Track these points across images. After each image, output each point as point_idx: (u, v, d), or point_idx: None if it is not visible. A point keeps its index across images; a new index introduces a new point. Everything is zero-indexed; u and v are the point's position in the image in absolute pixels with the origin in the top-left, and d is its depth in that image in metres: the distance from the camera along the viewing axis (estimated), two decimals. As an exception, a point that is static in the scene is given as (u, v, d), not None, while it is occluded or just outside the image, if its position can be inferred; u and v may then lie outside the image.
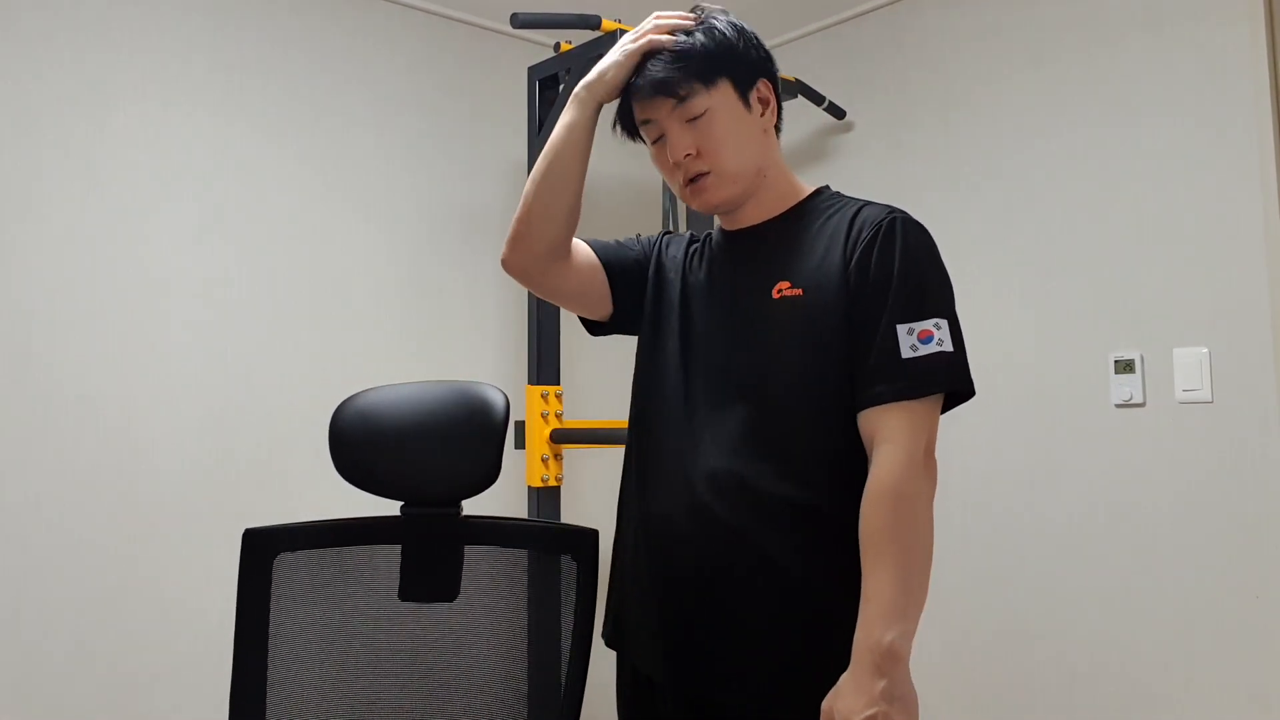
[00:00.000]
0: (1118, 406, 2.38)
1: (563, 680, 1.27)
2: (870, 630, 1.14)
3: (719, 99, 1.33)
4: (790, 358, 1.27)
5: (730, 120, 1.33)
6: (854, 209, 1.33)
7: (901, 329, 1.22)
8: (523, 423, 2.74)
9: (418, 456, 1.31)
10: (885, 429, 1.21)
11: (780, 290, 1.30)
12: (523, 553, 1.31)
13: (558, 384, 2.73)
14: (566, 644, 1.29)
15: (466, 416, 1.31)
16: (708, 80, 1.32)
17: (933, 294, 1.25)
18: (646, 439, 1.39)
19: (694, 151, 1.32)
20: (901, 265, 1.25)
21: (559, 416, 2.70)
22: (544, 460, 2.66)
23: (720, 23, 1.35)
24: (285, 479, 2.58)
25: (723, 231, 1.44)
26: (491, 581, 1.29)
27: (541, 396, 2.68)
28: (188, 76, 2.52)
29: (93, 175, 2.37)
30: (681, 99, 1.31)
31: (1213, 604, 2.21)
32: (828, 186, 1.42)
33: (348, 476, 1.32)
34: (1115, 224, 2.42)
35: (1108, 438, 2.39)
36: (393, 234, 2.83)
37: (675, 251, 1.48)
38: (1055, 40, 2.56)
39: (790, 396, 1.27)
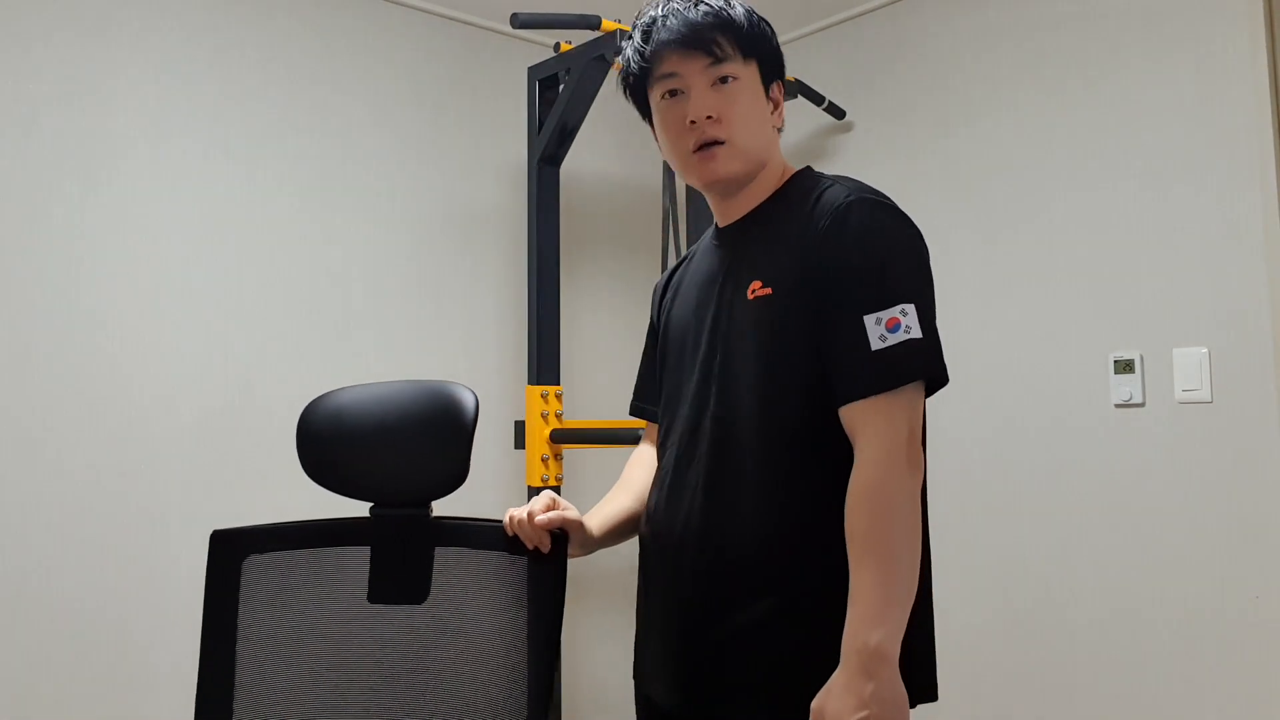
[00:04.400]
0: (1117, 406, 2.38)
1: (527, 685, 1.24)
2: (856, 632, 1.12)
3: (748, 75, 1.30)
4: (762, 361, 1.25)
5: (753, 98, 1.31)
6: (817, 193, 1.27)
7: (869, 320, 1.17)
8: (523, 423, 2.74)
9: (386, 456, 1.29)
10: (862, 425, 1.17)
11: (754, 290, 1.27)
12: (492, 554, 1.29)
13: (558, 384, 2.73)
14: (533, 647, 1.26)
15: (435, 416, 1.29)
16: (744, 52, 1.30)
17: (895, 278, 1.19)
18: (661, 455, 1.40)
19: (715, 115, 1.28)
20: (860, 251, 1.20)
21: (559, 416, 2.70)
22: (544, 460, 2.66)
23: (752, 9, 1.33)
24: (286, 479, 2.58)
25: (715, 230, 1.42)
26: (460, 583, 1.28)
27: (541, 396, 2.68)
28: (188, 76, 2.52)
29: (93, 175, 2.37)
30: (717, 59, 1.28)
31: (1212, 604, 2.22)
32: (809, 168, 1.37)
33: (315, 477, 1.31)
34: (1115, 224, 2.42)
35: (1107, 438, 2.39)
36: (393, 234, 2.83)
37: (670, 288, 1.49)
38: (1055, 40, 2.56)
39: (768, 402, 1.24)
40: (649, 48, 1.30)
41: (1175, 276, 2.31)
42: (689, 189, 2.91)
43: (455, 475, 1.28)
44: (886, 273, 1.19)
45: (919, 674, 1.23)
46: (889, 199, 1.26)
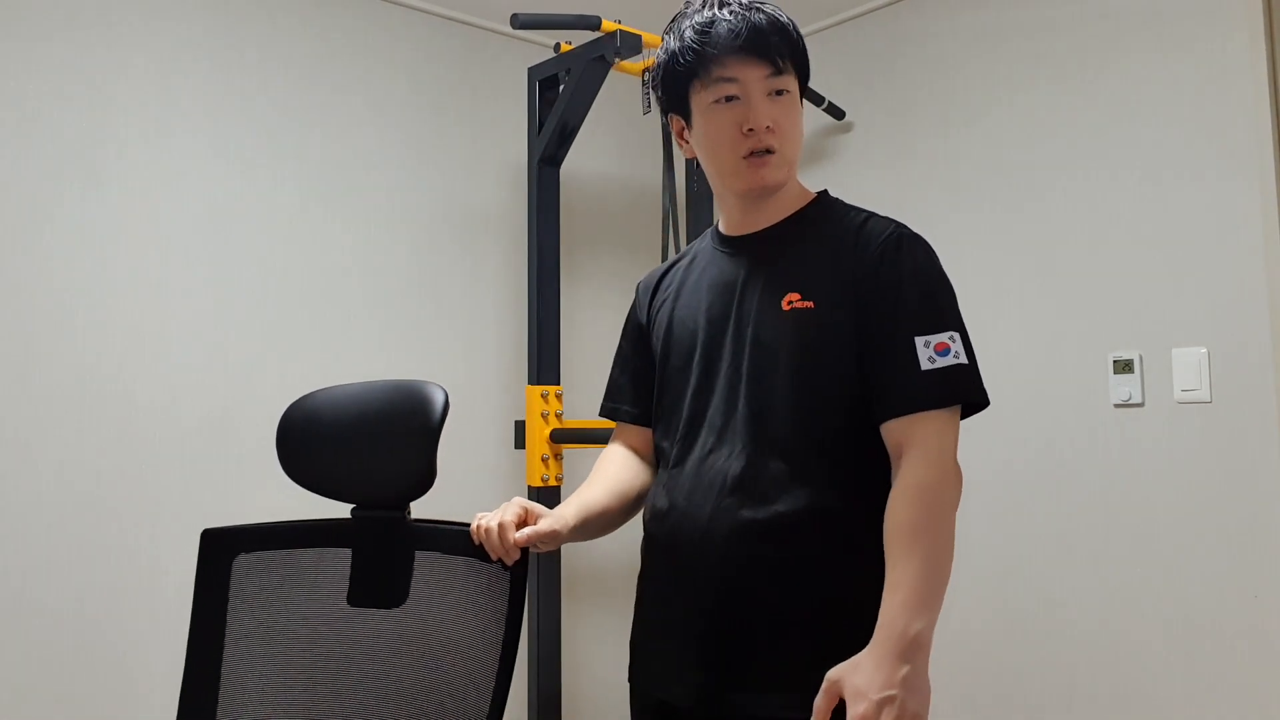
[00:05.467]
0: (1117, 406, 2.38)
1: (490, 694, 1.23)
2: (896, 617, 1.14)
3: (794, 88, 1.34)
4: (801, 369, 1.27)
5: (799, 113, 1.36)
6: (858, 220, 1.33)
7: (919, 341, 1.23)
8: (523, 423, 2.74)
9: (360, 458, 1.28)
10: (913, 436, 1.22)
11: (790, 302, 1.30)
12: (459, 559, 1.28)
13: (558, 384, 2.73)
14: (495, 654, 1.25)
15: (405, 416, 1.28)
16: (795, 65, 1.33)
17: (944, 308, 1.27)
18: (665, 455, 1.40)
19: (773, 126, 1.31)
20: (912, 279, 1.26)
21: (559, 416, 2.70)
22: (544, 460, 2.66)
23: (791, 19, 1.35)
24: (284, 479, 2.58)
25: (722, 237, 1.43)
26: (432, 587, 1.27)
27: (541, 396, 2.68)
28: (188, 76, 2.52)
29: (93, 175, 2.37)
30: (778, 70, 1.31)
31: (1212, 604, 2.22)
32: (826, 192, 1.42)
33: (296, 478, 1.31)
34: (1115, 224, 2.42)
35: (1107, 438, 2.39)
36: (393, 234, 2.83)
37: (663, 288, 1.49)
38: (1055, 41, 2.56)
39: (802, 407, 1.27)
40: (709, 48, 1.30)
41: (1175, 276, 2.31)
42: (689, 190, 2.90)
43: (424, 477, 1.26)
44: (937, 302, 1.26)
45: None
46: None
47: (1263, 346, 2.17)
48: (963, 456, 2.71)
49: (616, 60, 2.57)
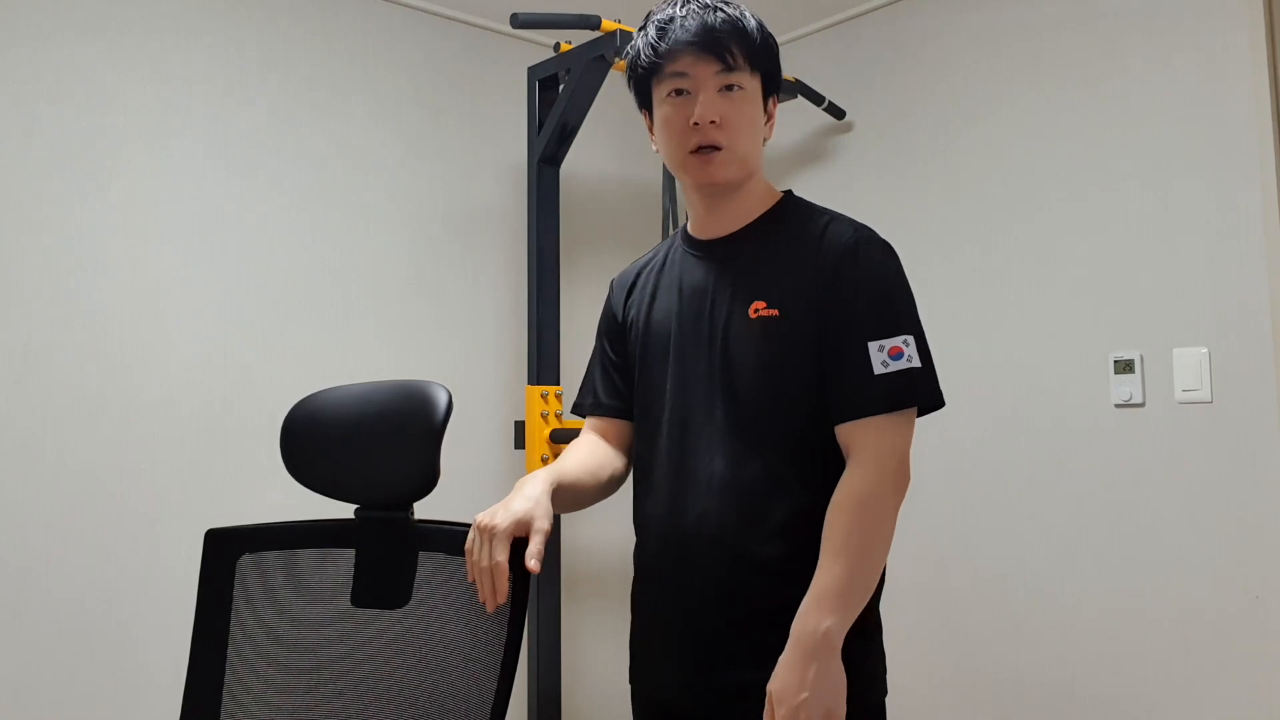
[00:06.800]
0: (1117, 406, 2.38)
1: (492, 695, 1.22)
2: (809, 617, 1.20)
3: (752, 86, 1.35)
4: (769, 375, 1.31)
5: (753, 110, 1.36)
6: (821, 224, 1.35)
7: (872, 346, 1.27)
8: (523, 423, 2.74)
9: (363, 458, 1.28)
10: (858, 441, 1.26)
11: (757, 310, 1.32)
12: (461, 560, 1.26)
13: (558, 384, 2.73)
14: (497, 655, 1.23)
15: (409, 417, 1.28)
16: (753, 64, 1.34)
17: (900, 312, 1.29)
18: (647, 461, 1.41)
19: (719, 120, 1.32)
20: (869, 284, 1.29)
21: (559, 416, 2.70)
22: (544, 460, 2.66)
23: (763, 23, 1.37)
24: (284, 479, 2.58)
25: (692, 240, 1.44)
26: (435, 589, 1.26)
27: (541, 396, 2.68)
28: (188, 76, 2.52)
29: (93, 175, 2.37)
30: (729, 66, 1.32)
31: (1212, 604, 2.22)
32: (790, 192, 1.44)
33: (299, 478, 1.30)
34: (1115, 224, 2.42)
35: (1108, 438, 2.40)
36: (393, 234, 2.83)
37: (637, 289, 1.50)
38: (1056, 41, 2.56)
39: (774, 412, 1.30)
40: (664, 44, 1.33)
41: (1175, 276, 2.31)
42: (689, 189, 2.90)
43: (427, 477, 1.26)
44: (891, 306, 1.29)
45: (879, 683, 1.31)
46: (885, 239, 1.36)
47: (1263, 346, 2.18)
48: (963, 456, 2.72)
49: (616, 60, 2.57)
